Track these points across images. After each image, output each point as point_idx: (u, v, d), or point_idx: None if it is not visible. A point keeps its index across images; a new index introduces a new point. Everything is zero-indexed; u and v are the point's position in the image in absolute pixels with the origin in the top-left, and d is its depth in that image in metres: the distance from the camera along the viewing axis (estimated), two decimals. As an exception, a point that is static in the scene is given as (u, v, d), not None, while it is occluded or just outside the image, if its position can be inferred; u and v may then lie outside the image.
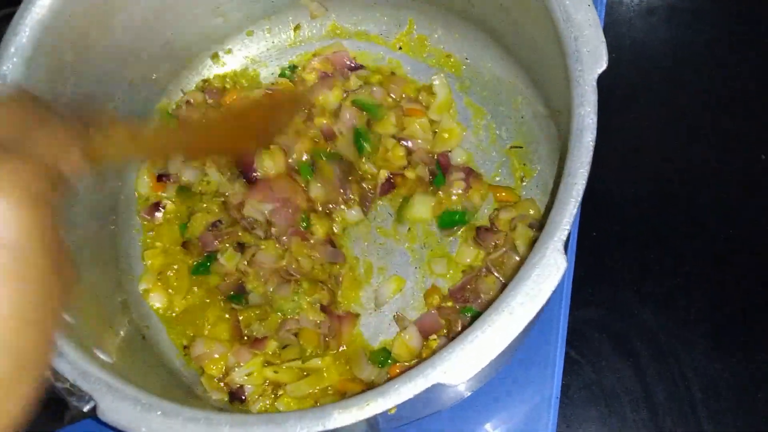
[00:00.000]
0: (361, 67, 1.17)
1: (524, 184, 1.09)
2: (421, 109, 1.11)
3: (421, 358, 0.99)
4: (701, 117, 1.26)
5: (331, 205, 1.08)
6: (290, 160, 1.07)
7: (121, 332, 0.99)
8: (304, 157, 1.07)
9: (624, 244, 1.20)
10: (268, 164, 1.06)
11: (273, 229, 1.05)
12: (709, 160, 1.23)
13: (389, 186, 1.08)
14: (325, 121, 1.09)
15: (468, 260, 1.05)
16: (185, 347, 1.05)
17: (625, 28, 1.32)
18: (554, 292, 0.72)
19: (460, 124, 1.11)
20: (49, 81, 0.93)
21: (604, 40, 0.78)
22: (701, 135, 1.25)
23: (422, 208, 1.07)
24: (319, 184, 1.07)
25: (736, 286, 1.17)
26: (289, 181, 1.06)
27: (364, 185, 1.09)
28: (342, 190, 1.08)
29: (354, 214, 1.08)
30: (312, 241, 1.05)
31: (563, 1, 0.80)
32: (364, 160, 1.09)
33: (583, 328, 1.15)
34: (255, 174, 1.07)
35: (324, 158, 1.08)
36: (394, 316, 1.05)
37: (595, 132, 0.76)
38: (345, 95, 1.11)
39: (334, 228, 1.08)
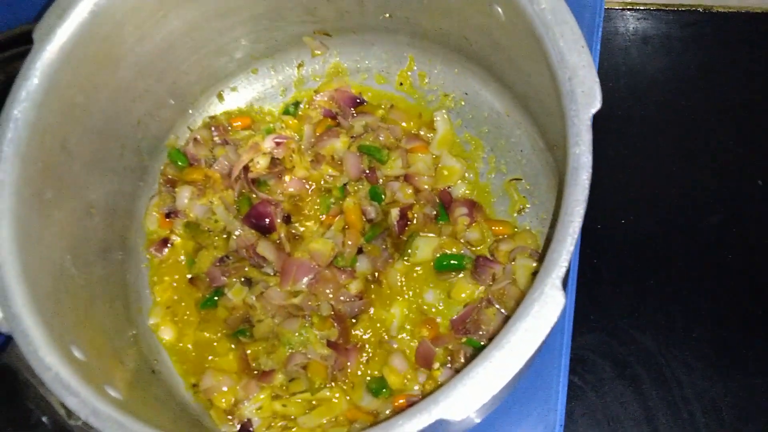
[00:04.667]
0: (363, 102, 1.19)
1: (524, 215, 1.10)
2: (423, 144, 1.13)
3: (425, 391, 1.01)
4: (698, 143, 1.28)
5: (376, 273, 1.09)
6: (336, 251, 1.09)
7: (131, 367, 1.00)
8: (348, 250, 1.09)
9: (624, 271, 1.21)
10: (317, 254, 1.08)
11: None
12: (707, 187, 1.25)
13: (404, 222, 1.10)
14: (331, 171, 1.12)
15: (464, 295, 1.06)
16: (194, 385, 1.07)
17: (621, 56, 1.35)
18: (556, 323, 0.73)
19: (461, 159, 1.13)
20: (59, 122, 0.94)
21: (597, 80, 0.80)
22: (698, 161, 1.27)
23: (425, 249, 1.08)
24: (366, 260, 1.09)
25: (735, 309, 1.18)
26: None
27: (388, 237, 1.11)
28: (386, 255, 1.10)
29: (400, 266, 1.09)
30: (342, 297, 1.07)
31: (557, 43, 0.82)
32: (383, 206, 1.11)
33: (586, 354, 1.17)
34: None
35: (369, 241, 1.10)
36: (378, 342, 1.06)
37: (590, 170, 0.77)
38: (351, 139, 1.14)
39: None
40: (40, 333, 0.82)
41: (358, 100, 1.19)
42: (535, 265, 1.00)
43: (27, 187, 0.89)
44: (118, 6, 0.96)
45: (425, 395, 0.96)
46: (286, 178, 1.13)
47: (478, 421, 1.00)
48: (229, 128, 1.19)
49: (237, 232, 1.11)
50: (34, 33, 0.93)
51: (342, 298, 1.06)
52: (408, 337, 1.06)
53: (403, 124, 1.16)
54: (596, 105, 0.79)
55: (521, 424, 1.05)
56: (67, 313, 0.91)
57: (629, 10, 1.37)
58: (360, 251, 1.09)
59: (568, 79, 0.81)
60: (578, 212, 0.76)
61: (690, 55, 1.34)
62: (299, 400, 1.02)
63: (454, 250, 1.07)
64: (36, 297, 0.84)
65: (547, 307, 0.73)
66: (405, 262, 1.09)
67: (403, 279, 1.09)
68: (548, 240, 0.78)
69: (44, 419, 0.82)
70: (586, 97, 0.80)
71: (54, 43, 0.92)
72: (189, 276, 1.13)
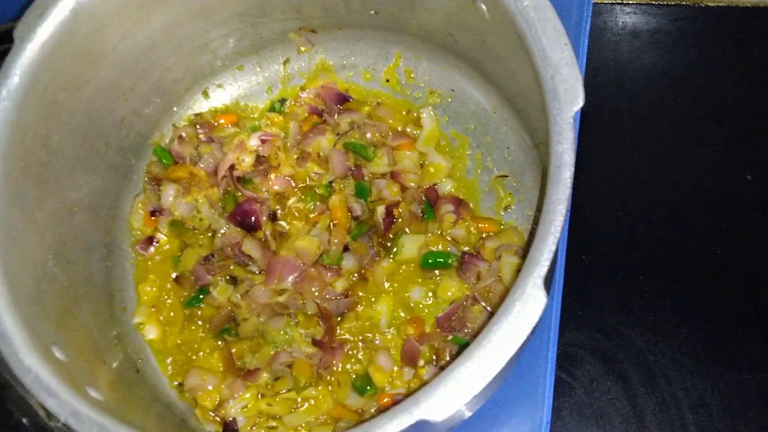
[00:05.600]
0: (350, 99, 1.19)
1: (510, 212, 1.10)
2: (409, 141, 1.13)
3: (410, 389, 1.01)
4: (687, 138, 1.28)
5: (363, 270, 1.09)
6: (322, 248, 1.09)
7: (115, 367, 1.00)
8: (334, 248, 1.09)
9: (612, 267, 1.21)
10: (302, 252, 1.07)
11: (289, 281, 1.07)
12: (695, 182, 1.25)
13: (390, 220, 1.10)
14: (316, 168, 1.12)
15: (449, 293, 1.06)
16: (179, 384, 1.07)
17: (610, 51, 1.34)
18: (539, 322, 0.73)
19: (447, 156, 1.13)
20: (41, 122, 0.94)
21: (580, 78, 0.79)
22: (687, 156, 1.27)
23: (411, 247, 1.08)
24: (352, 258, 1.09)
25: (723, 305, 1.18)
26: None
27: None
28: (372, 252, 1.10)
29: (386, 264, 1.09)
30: (328, 295, 1.07)
31: (540, 40, 0.82)
32: (369, 204, 1.11)
33: (574, 351, 1.17)
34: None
35: (356, 239, 1.10)
36: (360, 340, 1.06)
37: (572, 168, 0.76)
38: (337, 137, 1.14)
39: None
40: (20, 334, 0.81)
41: (344, 97, 1.19)
42: (519, 261, 1.00)
43: (8, 187, 0.89)
44: (100, 4, 0.95)
45: (410, 393, 0.97)
46: (272, 175, 1.12)
47: (469, 414, 1.00)
48: (215, 126, 1.19)
49: (222, 230, 1.11)
50: (14, 32, 0.92)
51: (328, 296, 1.06)
52: (394, 335, 1.06)
53: (390, 121, 1.16)
54: (579, 103, 0.79)
55: (509, 420, 1.05)
56: (48, 313, 0.90)
57: (619, 4, 1.37)
58: (346, 249, 1.09)
59: (551, 77, 0.80)
60: (560, 211, 0.76)
61: (680, 49, 1.34)
62: (285, 399, 1.02)
63: (440, 247, 1.07)
64: (17, 297, 0.84)
65: (529, 307, 0.73)
66: (391, 260, 1.08)
67: (390, 277, 1.09)
68: (531, 238, 0.78)
69: (24, 420, 0.82)
70: (568, 94, 0.79)
71: (35, 42, 0.92)
72: (174, 274, 1.12)
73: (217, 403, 1.03)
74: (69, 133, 0.99)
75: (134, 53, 1.05)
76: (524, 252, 1.02)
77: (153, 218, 1.14)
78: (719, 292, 1.19)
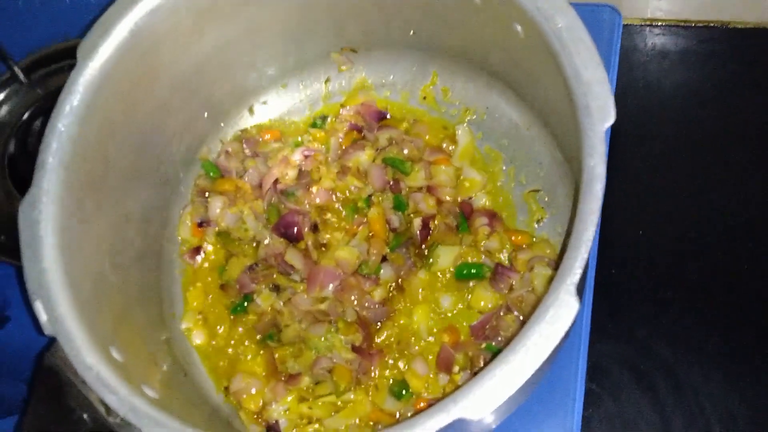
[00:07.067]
0: (388, 115, 1.23)
1: (542, 225, 1.13)
2: (445, 157, 1.16)
3: (445, 393, 1.04)
4: (713, 157, 1.30)
5: (400, 280, 1.12)
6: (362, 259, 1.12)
7: (165, 369, 1.04)
8: (372, 259, 1.12)
9: (641, 280, 1.23)
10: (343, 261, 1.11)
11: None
12: (722, 200, 1.26)
13: (426, 232, 1.12)
14: (356, 182, 1.16)
15: (482, 303, 1.08)
16: (226, 388, 1.10)
17: (639, 71, 1.36)
18: (570, 330, 0.76)
19: (482, 171, 1.16)
20: (100, 137, 0.99)
21: (611, 96, 0.82)
22: (715, 175, 1.28)
23: (447, 258, 1.10)
24: (390, 268, 1.12)
25: (751, 319, 1.19)
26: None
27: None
28: (409, 263, 1.13)
29: (422, 275, 1.12)
30: (367, 304, 1.10)
31: (573, 60, 0.85)
32: (406, 216, 1.15)
33: (604, 362, 1.18)
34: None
35: (393, 250, 1.13)
36: (398, 347, 1.09)
37: (604, 181, 0.79)
38: (376, 152, 1.17)
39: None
40: (81, 335, 0.86)
41: (382, 114, 1.23)
42: (552, 272, 1.03)
43: (69, 197, 0.93)
44: (157, 25, 1.00)
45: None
46: (313, 189, 1.16)
47: (494, 426, 1.02)
48: (260, 141, 1.23)
49: (266, 241, 1.15)
50: (78, 50, 0.97)
51: (366, 304, 1.09)
52: (429, 342, 1.09)
53: (427, 137, 1.19)
54: (610, 119, 0.81)
55: (540, 428, 1.07)
56: (106, 316, 0.94)
57: (648, 26, 1.39)
58: (384, 259, 1.12)
59: (584, 95, 0.83)
60: (592, 221, 0.78)
61: (707, 70, 1.35)
62: (325, 403, 1.05)
63: (474, 259, 1.10)
64: (78, 301, 0.88)
65: (562, 312, 0.76)
66: (427, 271, 1.11)
67: (426, 287, 1.11)
68: (563, 248, 0.81)
69: (85, 416, 0.85)
70: (600, 111, 0.82)
71: (96, 61, 0.96)
72: (220, 283, 1.16)
73: (260, 406, 1.07)
74: (125, 147, 1.04)
75: (187, 72, 1.09)
76: (556, 264, 1.04)
77: (200, 229, 1.18)
78: (746, 306, 1.20)
